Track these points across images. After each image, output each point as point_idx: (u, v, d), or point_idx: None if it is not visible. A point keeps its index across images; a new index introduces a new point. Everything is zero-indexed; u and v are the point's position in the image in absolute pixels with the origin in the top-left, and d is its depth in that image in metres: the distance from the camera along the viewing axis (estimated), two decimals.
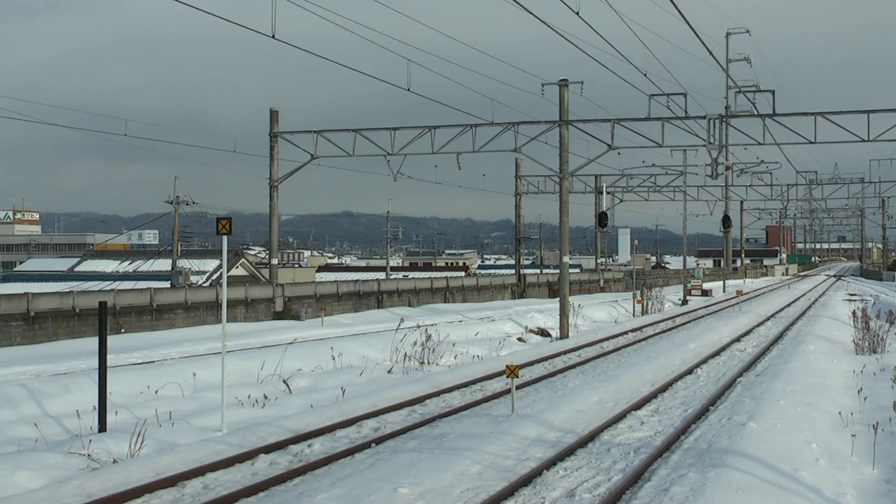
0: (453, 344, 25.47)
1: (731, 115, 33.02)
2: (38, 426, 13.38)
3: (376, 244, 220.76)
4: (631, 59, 23.72)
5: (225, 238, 14.54)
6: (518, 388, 16.92)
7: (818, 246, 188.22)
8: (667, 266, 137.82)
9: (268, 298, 38.18)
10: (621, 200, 62.51)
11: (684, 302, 53.66)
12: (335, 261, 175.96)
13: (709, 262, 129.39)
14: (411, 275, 77.19)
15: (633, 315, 42.11)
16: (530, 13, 19.00)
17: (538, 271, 73.92)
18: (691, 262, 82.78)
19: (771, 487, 9.86)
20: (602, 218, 39.91)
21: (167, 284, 45.76)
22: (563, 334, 30.87)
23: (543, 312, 37.24)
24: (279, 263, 58.83)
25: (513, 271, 63.56)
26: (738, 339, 29.14)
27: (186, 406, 16.00)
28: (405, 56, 26.99)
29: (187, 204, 55.19)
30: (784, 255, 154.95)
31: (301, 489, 10.45)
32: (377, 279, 50.94)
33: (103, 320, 13.60)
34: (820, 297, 60.28)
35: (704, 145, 32.68)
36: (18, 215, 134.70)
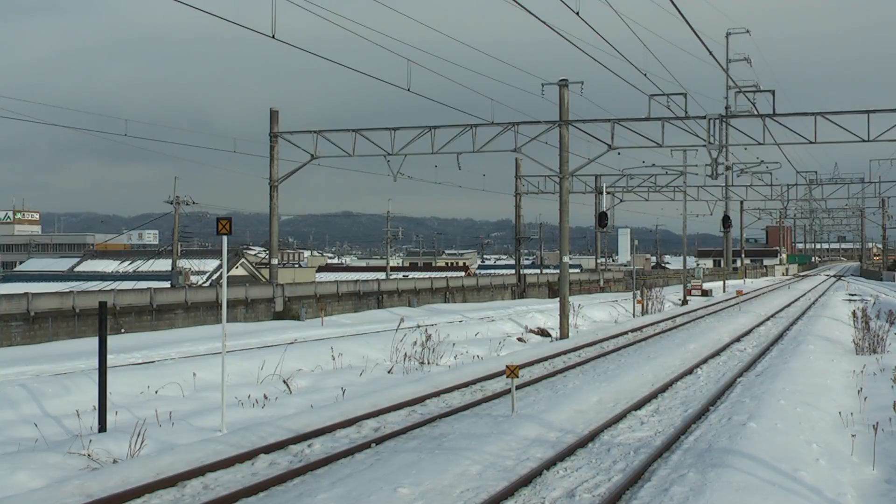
0: (453, 344, 25.46)
1: (731, 115, 32.98)
2: (38, 426, 13.38)
3: (376, 244, 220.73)
4: (631, 59, 23.71)
5: (225, 238, 14.54)
6: (518, 388, 16.92)
7: (818, 246, 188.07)
8: (667, 266, 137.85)
9: (268, 298, 38.18)
10: (621, 200, 62.51)
11: (684, 302, 53.66)
12: (335, 261, 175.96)
13: (709, 262, 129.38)
14: (411, 275, 77.20)
15: (633, 315, 42.10)
16: (530, 13, 18.99)
17: (538, 271, 73.94)
18: (691, 262, 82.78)
19: (771, 487, 9.86)
20: (602, 218, 39.91)
21: (167, 284, 45.76)
22: (563, 334, 30.87)
23: (543, 312, 37.23)
24: (279, 263, 58.83)
25: (513, 271, 63.55)
26: (738, 339, 29.14)
27: (186, 406, 16.00)
28: (405, 56, 26.98)
29: (187, 204, 55.22)
30: (784, 255, 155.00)
31: (301, 489, 10.45)
32: (377, 279, 50.94)
33: (103, 320, 13.60)
34: (820, 297, 60.27)
35: (704, 145, 32.67)
36: (18, 215, 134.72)
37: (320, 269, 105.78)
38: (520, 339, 30.11)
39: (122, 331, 30.66)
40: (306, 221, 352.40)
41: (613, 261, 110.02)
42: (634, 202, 63.43)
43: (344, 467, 11.49)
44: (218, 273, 59.13)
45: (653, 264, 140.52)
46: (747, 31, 50.04)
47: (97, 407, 13.53)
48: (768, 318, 39.35)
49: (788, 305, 50.28)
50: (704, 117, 32.14)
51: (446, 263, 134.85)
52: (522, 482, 10.60)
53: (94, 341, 19.99)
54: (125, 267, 66.64)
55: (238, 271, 63.75)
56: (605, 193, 43.58)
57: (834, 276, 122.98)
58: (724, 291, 69.25)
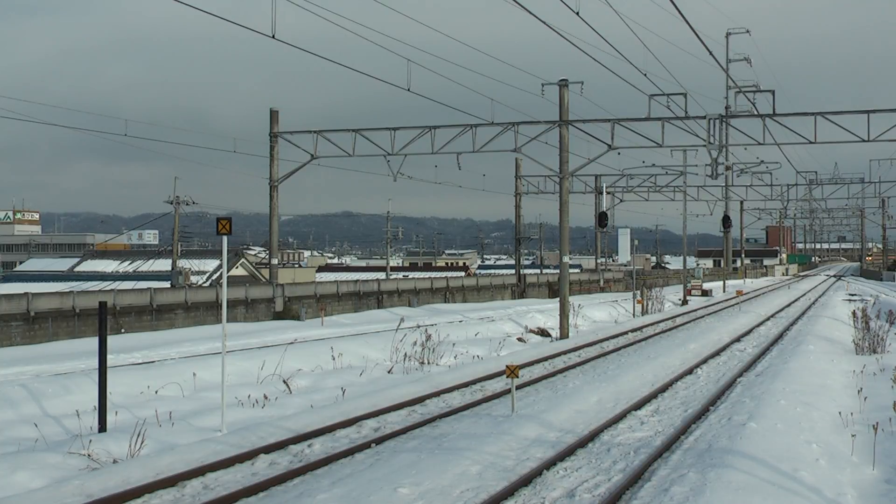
0: (453, 344, 25.47)
1: (731, 115, 32.98)
2: (38, 426, 13.38)
3: (376, 244, 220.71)
4: (631, 59, 23.72)
5: (225, 238, 14.55)
6: (518, 388, 16.93)
7: (818, 246, 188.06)
8: (667, 266, 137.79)
9: (268, 298, 38.17)
10: (621, 200, 62.49)
11: (684, 302, 53.66)
12: (335, 261, 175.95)
13: (709, 262, 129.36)
14: (411, 275, 77.20)
15: (633, 315, 42.10)
16: (530, 13, 19.00)
17: (538, 271, 73.93)
18: (691, 262, 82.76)
19: (771, 487, 9.86)
20: (602, 218, 39.92)
21: (167, 284, 45.76)
22: (563, 334, 30.87)
23: (543, 312, 37.24)
24: (279, 263, 58.83)
25: (513, 271, 63.55)
26: (738, 339, 29.14)
27: (186, 406, 16.00)
28: (405, 56, 26.99)
29: (187, 204, 55.23)
30: (784, 255, 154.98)
31: (301, 489, 10.45)
32: (377, 279, 50.94)
33: (103, 320, 13.60)
34: (820, 297, 60.27)
35: (704, 145, 32.67)
36: (18, 215, 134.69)
37: (320, 269, 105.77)
38: (520, 339, 30.11)
39: (122, 331, 30.65)
40: (306, 221, 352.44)
41: (613, 261, 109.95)
42: (634, 202, 63.49)
43: (344, 467, 11.49)
44: (218, 273, 59.13)
45: (653, 264, 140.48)
46: (747, 31, 50.03)
47: (97, 407, 13.54)
48: (768, 318, 39.35)
49: (788, 305, 50.28)
50: (704, 117, 32.14)
51: (446, 263, 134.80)
52: (522, 482, 10.60)
53: (94, 341, 19.99)
54: (125, 267, 66.65)
55: (238, 271, 63.76)
56: (605, 193, 43.59)
57: (834, 276, 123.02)
58: (724, 291, 69.25)
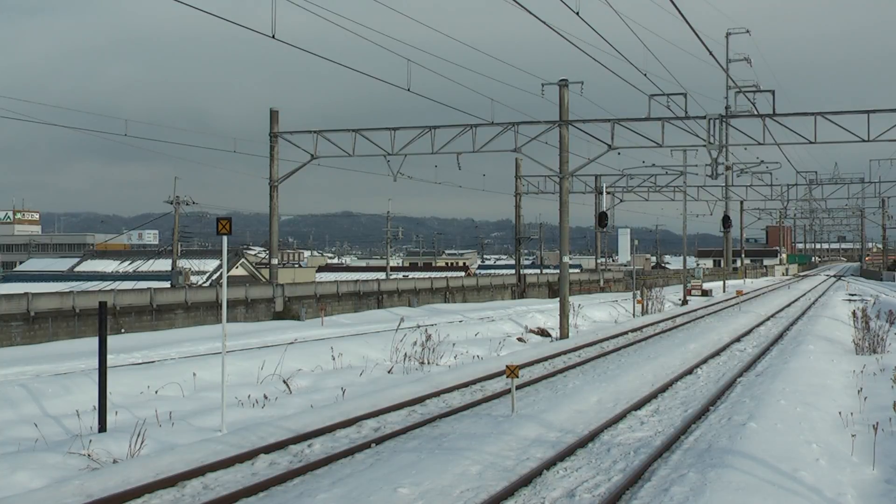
0: (453, 344, 25.47)
1: (731, 115, 32.99)
2: (38, 426, 13.38)
3: (376, 244, 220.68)
4: (631, 59, 23.72)
5: (225, 238, 14.55)
6: (518, 388, 16.92)
7: (818, 246, 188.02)
8: (667, 266, 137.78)
9: (268, 298, 38.17)
10: (621, 200, 62.50)
11: (684, 302, 53.66)
12: (335, 261, 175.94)
13: (709, 262, 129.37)
14: (411, 275, 77.18)
15: (633, 315, 42.11)
16: (530, 13, 19.00)
17: (538, 271, 73.92)
18: (691, 262, 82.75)
19: (771, 487, 9.86)
20: (602, 218, 39.92)
21: (167, 284, 45.76)
22: (563, 334, 30.87)
23: (543, 312, 37.23)
24: (279, 263, 58.85)
25: (513, 271, 63.54)
26: (738, 339, 29.14)
27: (186, 406, 16.01)
28: (405, 56, 27.00)
29: (187, 204, 55.24)
30: (784, 256, 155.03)
31: (301, 489, 10.45)
32: (377, 279, 50.94)
33: (103, 320, 13.60)
34: (820, 297, 60.28)
35: (704, 145, 32.67)
36: (18, 215, 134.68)
37: (320, 269, 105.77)
38: (520, 339, 30.11)
39: (122, 331, 30.65)
40: (306, 221, 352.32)
41: (613, 261, 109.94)
42: (634, 202, 63.52)
43: (344, 467, 11.50)
44: (218, 273, 59.13)
45: (653, 264, 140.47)
46: (747, 31, 50.08)
47: (97, 407, 13.54)
48: (768, 318, 39.35)
49: (788, 305, 50.28)
50: (704, 117, 32.14)
51: (446, 263, 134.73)
52: (522, 482, 10.61)
53: (94, 341, 19.99)
54: (125, 267, 66.66)
55: (238, 271, 63.76)
56: (605, 193, 43.60)
57: (834, 276, 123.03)
58: (724, 291, 69.25)
